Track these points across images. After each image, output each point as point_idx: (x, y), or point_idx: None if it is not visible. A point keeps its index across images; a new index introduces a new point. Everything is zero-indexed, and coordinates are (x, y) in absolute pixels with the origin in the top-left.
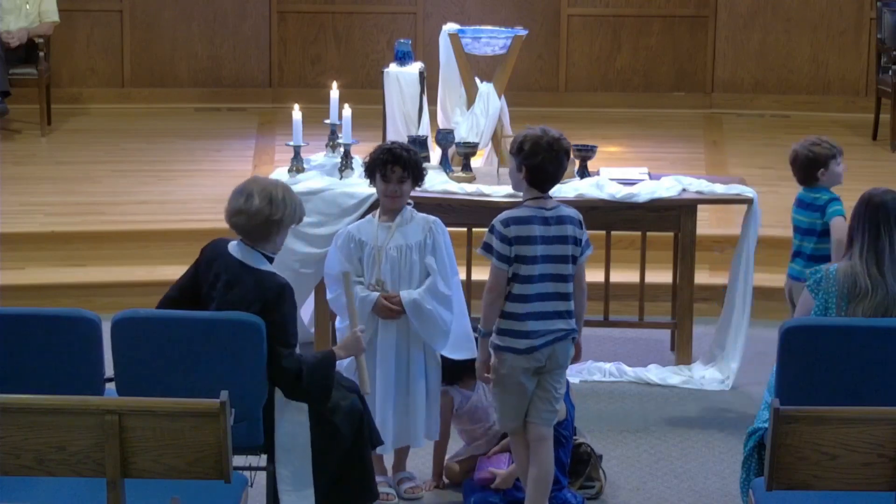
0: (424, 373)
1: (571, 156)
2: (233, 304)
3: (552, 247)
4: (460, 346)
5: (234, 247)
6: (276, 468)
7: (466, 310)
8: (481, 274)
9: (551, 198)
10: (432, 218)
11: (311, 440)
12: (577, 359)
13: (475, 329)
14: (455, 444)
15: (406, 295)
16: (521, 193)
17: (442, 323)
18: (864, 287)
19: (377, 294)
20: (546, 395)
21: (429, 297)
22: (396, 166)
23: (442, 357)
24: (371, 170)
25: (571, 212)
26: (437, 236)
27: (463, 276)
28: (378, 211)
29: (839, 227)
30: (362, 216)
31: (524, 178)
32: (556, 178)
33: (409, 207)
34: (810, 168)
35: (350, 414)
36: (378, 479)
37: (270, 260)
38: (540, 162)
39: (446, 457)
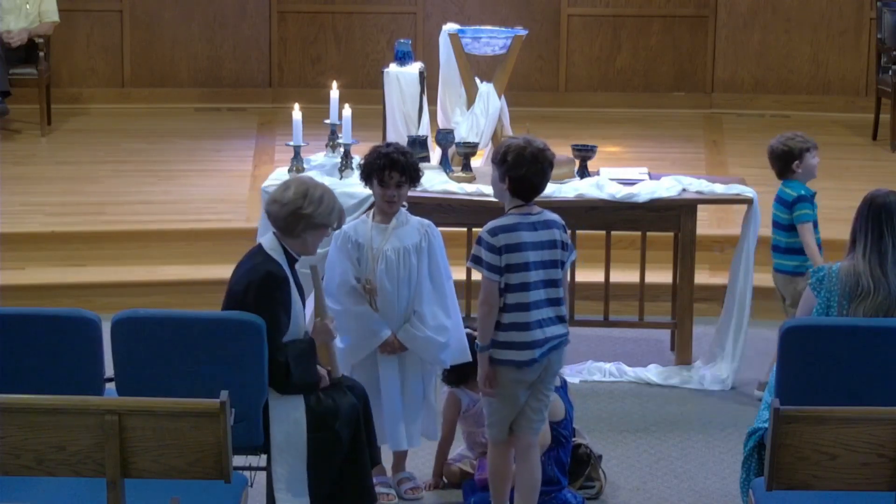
0: (421, 376)
1: (572, 156)
2: (233, 283)
3: (543, 252)
4: (460, 352)
5: (266, 235)
6: (271, 467)
7: (460, 314)
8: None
9: (534, 205)
10: (426, 221)
11: (310, 446)
12: None
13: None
14: (456, 444)
15: (403, 334)
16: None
17: (439, 346)
18: (867, 287)
19: (388, 332)
20: (538, 405)
21: (424, 329)
22: (394, 171)
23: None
24: (367, 174)
25: (556, 217)
26: (432, 240)
27: (463, 276)
28: (373, 212)
29: (803, 233)
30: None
31: (507, 189)
32: (539, 189)
33: (403, 210)
34: (786, 160)
35: (349, 419)
36: (378, 479)
37: (293, 260)
38: (524, 173)
39: (447, 458)
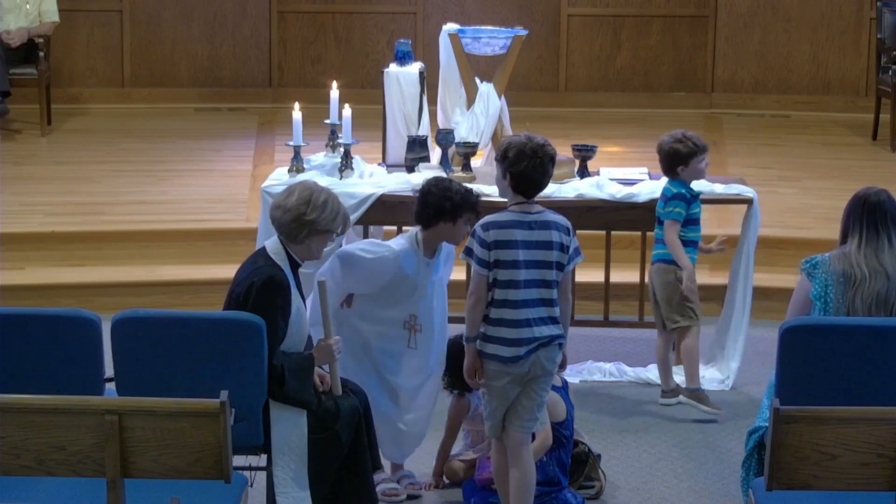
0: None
1: (572, 156)
2: (234, 286)
3: (535, 252)
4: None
5: (270, 239)
6: (272, 469)
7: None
8: None
9: (536, 203)
10: (450, 247)
11: (311, 447)
12: (562, 368)
13: None
14: (455, 444)
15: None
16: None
17: None
18: (862, 274)
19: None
20: (530, 403)
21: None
22: (474, 215)
23: (457, 367)
24: (454, 213)
25: (559, 218)
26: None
27: (463, 276)
28: (422, 241)
29: (667, 229)
30: (363, 216)
31: (509, 185)
32: (541, 185)
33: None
34: (671, 162)
35: (350, 421)
36: (382, 477)
37: (296, 265)
38: (524, 169)
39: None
